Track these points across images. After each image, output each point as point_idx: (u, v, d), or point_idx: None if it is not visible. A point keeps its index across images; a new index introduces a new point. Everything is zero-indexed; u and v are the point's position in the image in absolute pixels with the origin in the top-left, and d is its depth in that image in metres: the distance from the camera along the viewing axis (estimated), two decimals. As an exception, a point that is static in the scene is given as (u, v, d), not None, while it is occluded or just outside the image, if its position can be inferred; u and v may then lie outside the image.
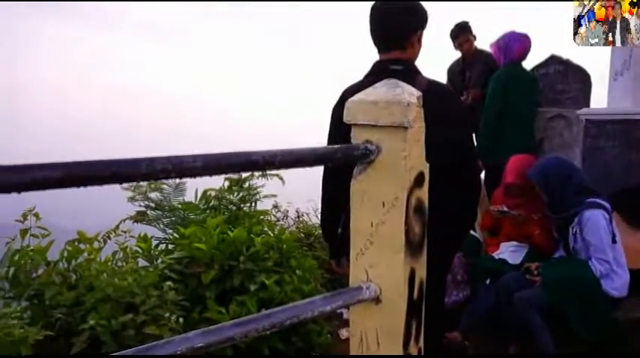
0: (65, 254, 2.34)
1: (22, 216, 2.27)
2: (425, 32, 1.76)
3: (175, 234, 3.08)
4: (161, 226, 3.49)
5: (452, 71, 4.35)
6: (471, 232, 2.92)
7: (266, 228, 3.03)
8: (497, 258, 2.89)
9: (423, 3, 1.74)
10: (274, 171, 3.38)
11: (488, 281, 2.82)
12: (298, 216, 4.26)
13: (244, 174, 3.41)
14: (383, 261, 1.01)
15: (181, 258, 2.64)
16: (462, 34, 4.12)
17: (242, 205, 3.46)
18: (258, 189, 3.56)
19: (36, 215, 2.28)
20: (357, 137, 1.01)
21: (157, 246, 3.00)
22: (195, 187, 3.57)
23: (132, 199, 3.50)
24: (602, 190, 2.66)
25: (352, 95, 1.04)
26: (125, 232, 2.76)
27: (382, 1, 1.71)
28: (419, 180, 1.01)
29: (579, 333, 2.44)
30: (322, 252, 3.45)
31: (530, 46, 3.67)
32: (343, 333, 3.01)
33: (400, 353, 1.02)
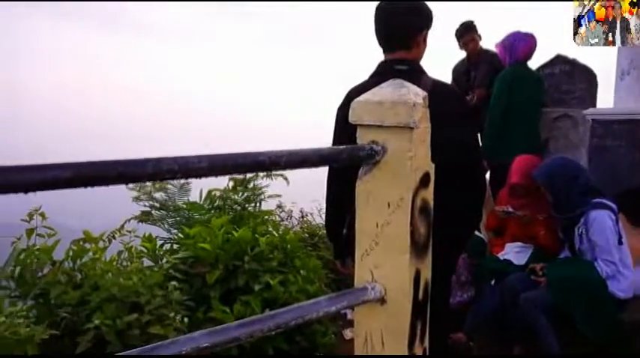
0: (70, 253, 2.35)
1: (28, 215, 2.28)
2: (430, 32, 1.75)
3: (180, 234, 3.09)
4: (166, 226, 3.50)
5: (457, 71, 4.34)
6: (476, 233, 2.91)
7: (270, 228, 3.04)
8: (502, 258, 2.88)
9: (427, 3, 1.74)
10: (279, 172, 3.39)
11: (493, 282, 2.81)
12: (302, 216, 4.26)
13: (249, 174, 3.42)
14: (388, 261, 1.01)
15: (186, 258, 2.64)
16: (467, 33, 4.11)
17: (247, 205, 3.46)
18: (263, 189, 3.57)
19: (42, 214, 2.29)
20: (362, 137, 1.01)
21: (161, 245, 3.01)
22: (199, 187, 3.58)
23: (137, 199, 3.51)
24: (608, 190, 2.64)
25: (357, 95, 1.04)
26: (130, 232, 2.77)
27: (387, 0, 1.70)
28: (424, 181, 1.01)
29: (585, 334, 2.43)
30: (326, 252, 3.45)
31: (535, 46, 3.66)
32: (347, 334, 3.01)
33: (405, 353, 1.02)
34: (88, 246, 2.40)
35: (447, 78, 4.29)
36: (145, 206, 3.53)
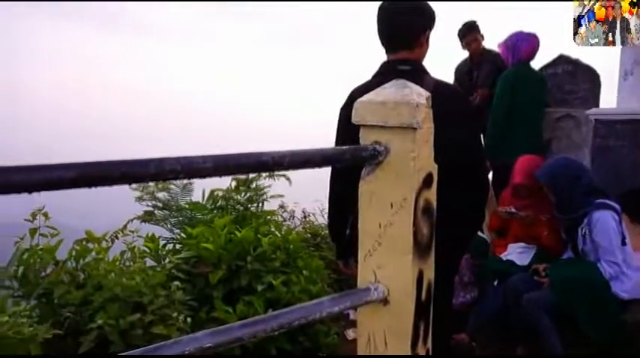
0: (73, 253, 2.35)
1: (31, 215, 2.28)
2: (432, 32, 1.75)
3: (183, 234, 3.09)
4: (168, 226, 3.51)
5: (459, 71, 4.33)
6: (479, 233, 2.91)
7: (273, 229, 3.04)
8: (504, 259, 2.87)
9: (430, 3, 1.73)
10: (281, 172, 3.39)
11: (495, 283, 2.80)
12: (305, 217, 4.26)
13: (251, 175, 3.42)
14: (391, 262, 1.01)
15: (189, 258, 2.65)
16: (469, 33, 4.10)
17: (249, 205, 3.46)
18: (265, 190, 3.57)
19: (45, 214, 2.30)
20: (365, 138, 1.01)
21: (164, 245, 3.01)
22: (202, 187, 3.58)
23: (139, 199, 3.52)
24: (611, 190, 2.63)
25: (360, 96, 1.04)
26: (133, 232, 2.77)
27: (390, 0, 1.70)
28: (427, 181, 1.00)
29: (588, 335, 2.42)
30: (329, 253, 3.45)
31: (538, 46, 3.65)
32: (350, 334, 3.01)
33: (408, 354, 1.02)
34: (90, 245, 2.41)
35: (449, 78, 4.29)
36: (147, 206, 3.54)
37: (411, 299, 1.00)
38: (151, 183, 3.38)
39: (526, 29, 3.69)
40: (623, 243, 2.46)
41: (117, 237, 2.71)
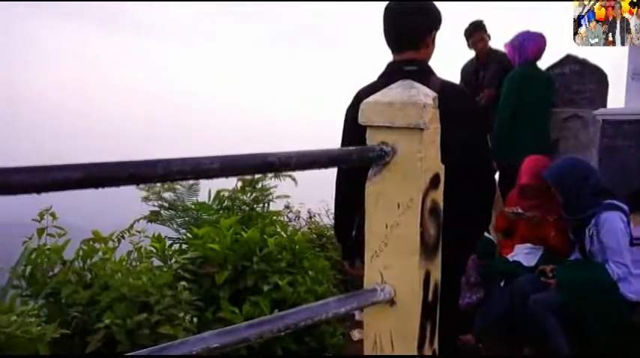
0: (81, 253, 2.37)
1: (38, 215, 2.30)
2: (438, 33, 1.75)
3: (189, 234, 3.10)
4: (175, 226, 3.52)
5: (465, 71, 4.32)
6: (485, 234, 2.90)
7: (279, 229, 3.04)
8: (511, 260, 2.86)
9: (436, 3, 1.73)
10: (287, 172, 3.39)
11: (502, 284, 2.79)
12: (310, 217, 4.26)
13: (257, 175, 3.43)
14: (398, 262, 1.01)
15: (195, 258, 2.65)
16: (476, 32, 4.09)
17: (255, 206, 3.47)
18: (271, 190, 3.58)
19: (52, 214, 2.32)
20: (372, 138, 1.00)
21: (170, 245, 3.02)
22: (208, 188, 3.60)
23: (146, 199, 3.53)
24: (618, 191, 2.62)
25: (366, 96, 1.04)
26: (139, 232, 2.79)
27: (396, 1, 1.70)
28: (434, 182, 1.00)
29: (595, 337, 2.41)
30: (334, 253, 3.45)
31: (545, 46, 3.63)
32: (355, 335, 3.00)
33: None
34: (97, 245, 2.42)
35: (455, 79, 4.27)
36: (153, 206, 3.55)
37: (418, 300, 1.00)
38: (158, 184, 3.40)
39: (533, 29, 3.67)
40: (632, 244, 2.44)
41: (123, 237, 2.72)
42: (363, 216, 1.06)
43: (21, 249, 2.34)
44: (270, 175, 3.50)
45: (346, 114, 1.77)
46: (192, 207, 3.54)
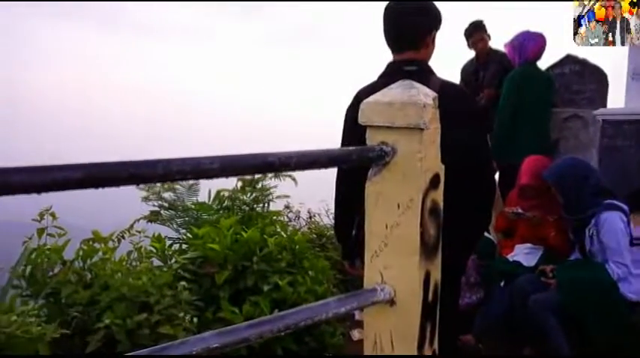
0: (81, 253, 2.37)
1: (38, 215, 2.30)
2: (438, 33, 1.75)
3: (189, 234, 3.10)
4: (175, 226, 3.52)
5: (465, 71, 4.32)
6: (485, 234, 2.90)
7: (279, 229, 3.04)
8: (511, 260, 2.86)
9: (436, 3, 1.73)
10: (287, 172, 3.39)
11: (502, 284, 2.79)
12: (310, 217, 4.26)
13: (257, 175, 3.43)
14: (398, 263, 1.01)
15: (195, 258, 2.65)
16: (476, 32, 4.09)
17: (255, 206, 3.47)
18: (271, 190, 3.58)
19: (52, 214, 2.32)
20: (372, 138, 1.00)
21: (170, 245, 3.02)
22: (208, 188, 3.59)
23: (146, 199, 3.53)
24: (619, 191, 2.62)
25: (366, 96, 1.04)
26: (139, 232, 2.79)
27: (396, 1, 1.70)
28: (434, 182, 1.00)
29: (595, 337, 2.41)
30: (334, 253, 3.45)
31: (545, 46, 3.63)
32: (355, 334, 3.00)
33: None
34: (97, 245, 2.42)
35: (455, 79, 4.27)
36: (153, 206, 3.55)
37: (418, 300, 1.00)
38: (158, 184, 3.40)
39: (533, 29, 3.67)
40: (632, 244, 2.44)
41: (123, 237, 2.72)
42: (363, 216, 1.06)
43: (21, 248, 2.34)
44: (270, 175, 3.50)
45: (346, 114, 1.77)
46: (192, 207, 3.54)
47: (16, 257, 2.33)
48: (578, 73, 3.90)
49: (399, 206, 0.99)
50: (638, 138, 3.41)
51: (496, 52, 4.11)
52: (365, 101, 1.02)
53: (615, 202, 2.48)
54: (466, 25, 4.14)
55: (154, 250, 2.77)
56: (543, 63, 3.76)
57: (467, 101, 1.76)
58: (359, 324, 3.02)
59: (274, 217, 3.41)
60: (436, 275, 1.04)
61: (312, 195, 4.27)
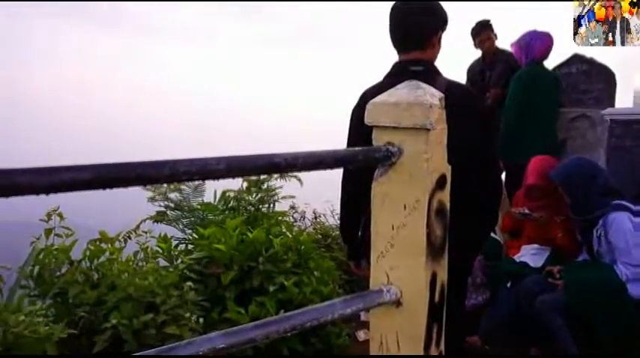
0: (88, 253, 2.38)
1: (46, 215, 2.32)
2: (444, 33, 1.74)
3: (195, 235, 3.11)
4: (180, 226, 3.54)
5: (472, 70, 4.30)
6: (492, 234, 2.88)
7: (284, 229, 3.04)
8: (518, 260, 2.84)
9: (442, 4, 1.72)
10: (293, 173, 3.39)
11: (508, 285, 2.77)
12: (315, 217, 4.26)
13: (263, 175, 3.43)
14: (404, 263, 1.00)
15: (201, 259, 2.66)
16: (483, 31, 4.07)
17: (260, 206, 3.47)
18: (277, 191, 3.58)
19: (60, 215, 2.33)
20: (378, 139, 1.00)
21: (176, 246, 3.04)
22: (214, 188, 3.61)
23: (152, 199, 3.55)
24: (626, 191, 2.60)
25: (372, 97, 1.04)
26: (146, 232, 2.80)
27: (402, 1, 1.70)
28: (441, 183, 1.00)
29: (603, 338, 2.39)
30: (340, 253, 3.44)
31: (552, 45, 3.61)
32: (361, 335, 3.00)
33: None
34: (104, 246, 2.44)
35: (461, 79, 4.26)
36: (160, 206, 3.57)
37: (424, 301, 1.00)
38: (164, 184, 3.41)
39: (540, 28, 3.65)
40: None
41: (130, 238, 2.74)
42: (369, 217, 1.05)
43: (29, 249, 2.36)
44: (275, 176, 3.51)
45: (352, 115, 1.76)
46: (198, 207, 3.55)
47: (24, 257, 2.35)
48: (586, 72, 3.88)
49: (405, 207, 0.98)
50: (646, 138, 3.39)
51: (503, 52, 4.09)
52: (371, 101, 1.02)
53: (623, 203, 2.46)
54: (473, 25, 4.13)
55: (160, 250, 2.78)
56: (550, 62, 3.74)
57: (473, 101, 1.75)
58: (365, 325, 3.01)
59: (280, 217, 3.42)
60: (443, 276, 1.04)
61: (317, 196, 4.27)
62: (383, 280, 1.03)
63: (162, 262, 2.74)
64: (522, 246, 2.92)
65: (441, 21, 1.71)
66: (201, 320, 2.26)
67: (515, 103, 3.56)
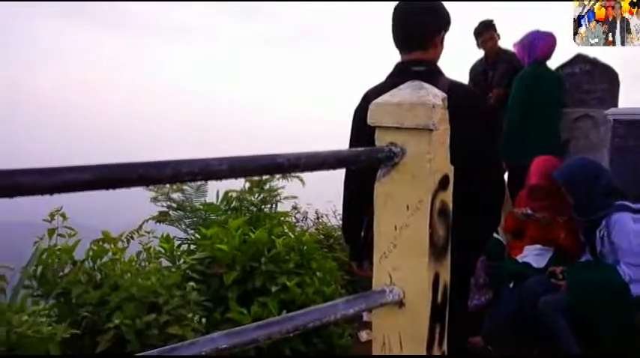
0: (91, 253, 2.39)
1: (49, 215, 2.32)
2: (447, 34, 1.74)
3: (197, 235, 3.12)
4: (183, 227, 3.54)
5: (474, 70, 4.30)
6: (494, 235, 2.88)
7: (287, 230, 3.04)
8: (520, 261, 2.84)
9: (445, 4, 1.72)
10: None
11: (511, 285, 2.77)
12: (318, 218, 4.26)
13: (265, 176, 3.43)
14: (407, 264, 1.00)
15: (203, 259, 2.66)
16: (486, 31, 4.06)
17: (263, 206, 3.48)
18: (279, 191, 3.58)
19: (63, 215, 2.34)
20: (381, 139, 1.00)
21: (179, 246, 3.04)
22: (216, 188, 3.61)
23: (154, 200, 3.56)
24: (630, 191, 2.59)
25: (375, 97, 1.04)
26: (148, 233, 2.80)
27: (405, 1, 1.69)
28: (443, 183, 0.99)
29: (606, 339, 2.38)
30: (342, 254, 3.44)
31: (555, 45, 3.59)
32: (363, 336, 3.00)
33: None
34: (107, 246, 2.44)
35: (464, 79, 4.25)
36: (162, 206, 3.57)
37: (427, 301, 1.00)
38: (166, 184, 3.41)
39: (543, 28, 3.64)
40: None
41: (132, 238, 2.74)
42: (372, 217, 1.05)
43: (32, 249, 2.37)
44: (277, 176, 3.51)
45: (354, 115, 1.76)
46: (201, 207, 3.55)
47: (27, 257, 2.36)
48: (589, 72, 3.87)
49: (408, 207, 0.98)
50: (649, 138, 3.38)
51: (505, 52, 4.09)
52: (374, 102, 1.01)
53: (627, 203, 2.46)
54: (475, 25, 4.12)
55: (163, 251, 2.79)
56: (553, 62, 3.73)
57: (476, 101, 1.75)
58: (367, 325, 3.01)
59: (282, 218, 3.42)
60: (445, 276, 1.03)
61: (319, 196, 4.27)
62: (385, 280, 1.03)
63: (165, 262, 2.74)
64: (525, 246, 2.91)
65: (443, 21, 1.70)
66: (203, 320, 2.26)
67: (518, 103, 3.55)
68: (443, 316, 1.04)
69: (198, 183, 3.65)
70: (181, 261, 2.72)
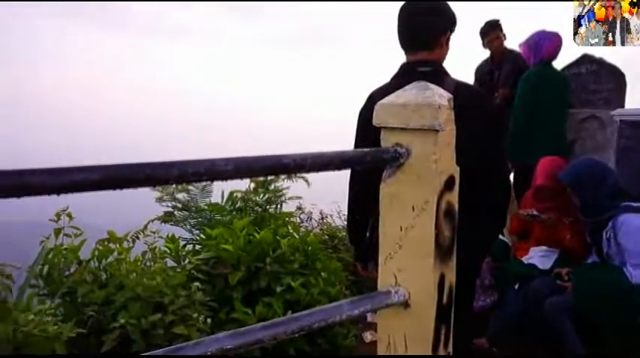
0: (96, 253, 2.40)
1: (55, 215, 2.34)
2: (452, 35, 1.73)
3: (202, 235, 3.12)
4: (188, 227, 3.55)
5: (480, 71, 4.28)
6: (500, 236, 2.86)
7: (291, 230, 3.05)
8: (526, 262, 2.82)
9: (451, 4, 1.72)
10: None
11: (516, 287, 2.75)
12: (322, 218, 4.26)
13: (270, 176, 3.44)
14: (412, 265, 1.00)
15: (208, 259, 2.67)
16: (492, 31, 4.05)
17: (267, 207, 3.48)
18: (284, 191, 3.58)
19: (69, 215, 2.35)
20: (386, 140, 1.00)
21: (184, 246, 3.05)
22: (221, 189, 3.61)
23: (160, 200, 3.57)
24: (636, 192, 2.57)
25: (380, 97, 1.04)
26: (154, 233, 2.81)
27: (411, 1, 1.69)
28: (449, 184, 0.99)
29: (611, 341, 2.37)
30: (346, 254, 3.44)
31: (561, 45, 3.57)
32: (367, 336, 2.99)
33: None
34: (112, 246, 2.45)
35: (469, 80, 4.24)
36: (167, 207, 3.58)
37: (432, 302, 0.99)
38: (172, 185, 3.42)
39: (549, 29, 3.62)
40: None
41: (138, 238, 2.75)
42: (377, 218, 1.05)
43: (38, 248, 2.38)
44: (282, 176, 3.51)
45: (359, 116, 1.76)
46: (206, 208, 3.56)
47: (33, 256, 2.37)
48: (595, 72, 3.85)
49: (413, 208, 0.98)
50: (656, 139, 3.35)
51: (511, 52, 4.07)
52: (379, 102, 1.01)
53: (633, 204, 2.44)
54: (481, 25, 4.11)
55: (168, 251, 2.79)
56: (559, 63, 3.71)
57: (482, 102, 1.74)
58: (371, 326, 3.01)
59: (287, 218, 3.42)
60: (451, 277, 1.03)
61: (323, 196, 4.27)
62: (391, 281, 1.03)
63: (170, 262, 2.75)
64: (531, 247, 2.90)
65: (449, 22, 1.70)
66: (208, 320, 2.26)
67: (523, 104, 3.54)
68: (448, 317, 1.04)
69: (204, 183, 3.66)
70: (186, 261, 2.73)
